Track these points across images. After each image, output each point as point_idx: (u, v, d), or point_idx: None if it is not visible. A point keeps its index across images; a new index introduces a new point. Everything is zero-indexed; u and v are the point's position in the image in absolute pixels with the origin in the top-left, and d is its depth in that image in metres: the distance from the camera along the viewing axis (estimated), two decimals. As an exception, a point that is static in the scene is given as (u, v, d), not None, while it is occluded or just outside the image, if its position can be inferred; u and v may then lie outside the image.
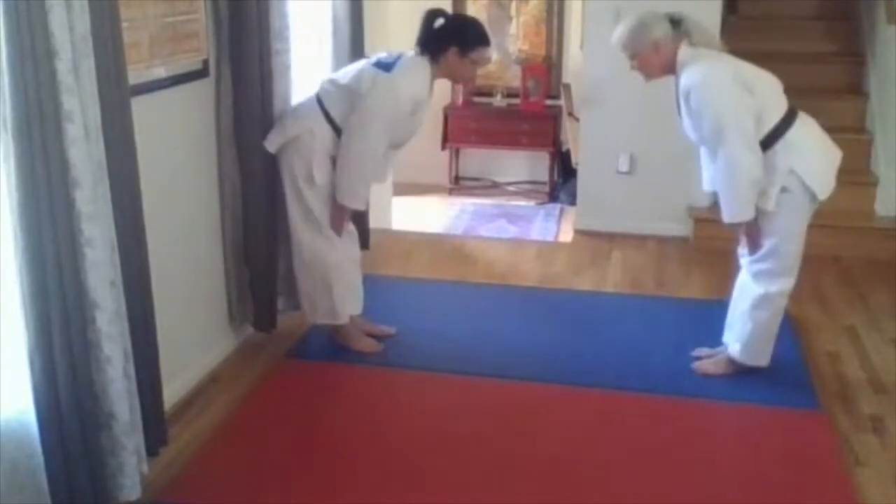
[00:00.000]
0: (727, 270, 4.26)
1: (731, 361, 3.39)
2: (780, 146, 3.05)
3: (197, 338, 3.40)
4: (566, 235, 5.51)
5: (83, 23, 2.21)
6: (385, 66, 3.26)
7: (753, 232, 3.16)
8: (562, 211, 6.40)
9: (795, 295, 4.27)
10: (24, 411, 2.27)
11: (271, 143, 3.40)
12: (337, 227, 3.44)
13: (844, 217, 4.91)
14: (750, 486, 2.78)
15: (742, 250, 3.31)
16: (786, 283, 3.24)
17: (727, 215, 3.12)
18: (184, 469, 2.84)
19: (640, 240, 5.16)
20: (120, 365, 2.41)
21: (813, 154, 3.11)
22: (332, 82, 3.40)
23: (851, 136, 5.32)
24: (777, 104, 3.09)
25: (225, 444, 3.00)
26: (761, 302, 3.24)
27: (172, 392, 3.11)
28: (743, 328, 3.32)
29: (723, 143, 3.00)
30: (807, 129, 3.12)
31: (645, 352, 3.66)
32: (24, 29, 2.05)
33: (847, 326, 3.97)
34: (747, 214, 3.09)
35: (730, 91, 3.01)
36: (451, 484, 2.78)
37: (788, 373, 3.46)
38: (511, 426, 3.13)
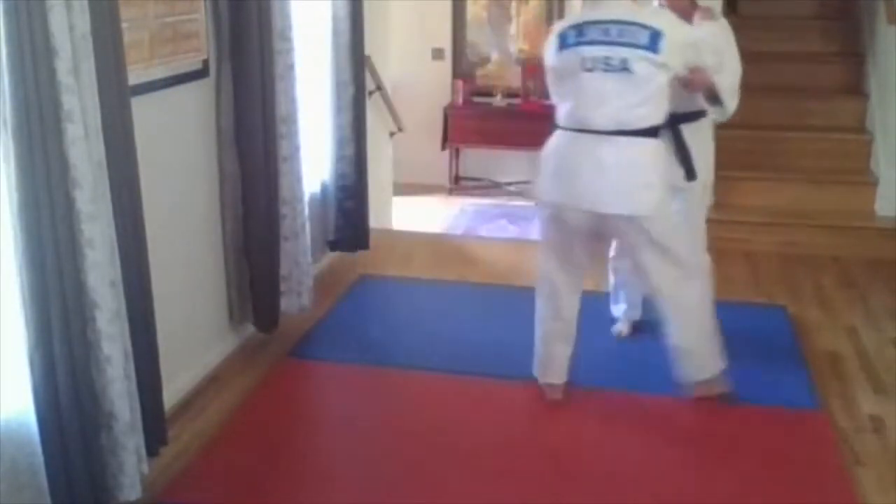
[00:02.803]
0: (726, 271, 4.27)
1: None
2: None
3: (197, 338, 3.40)
4: (566, 235, 5.50)
5: (83, 23, 2.21)
6: (649, 40, 2.81)
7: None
8: (562, 211, 6.39)
9: (796, 295, 4.31)
10: (24, 411, 2.27)
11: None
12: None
13: (844, 217, 4.92)
14: (750, 485, 2.78)
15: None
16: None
17: None
18: (184, 469, 2.84)
19: (640, 240, 5.14)
20: (120, 365, 2.41)
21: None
22: None
23: (851, 136, 5.33)
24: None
25: (225, 444, 3.00)
26: None
27: (172, 392, 3.11)
28: None
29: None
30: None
31: (644, 352, 3.65)
32: (24, 29, 2.05)
33: (847, 326, 3.96)
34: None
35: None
36: (450, 483, 2.78)
37: (788, 373, 3.47)
38: (511, 426, 3.13)
